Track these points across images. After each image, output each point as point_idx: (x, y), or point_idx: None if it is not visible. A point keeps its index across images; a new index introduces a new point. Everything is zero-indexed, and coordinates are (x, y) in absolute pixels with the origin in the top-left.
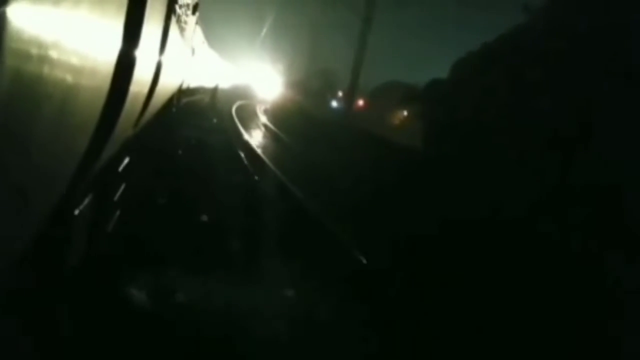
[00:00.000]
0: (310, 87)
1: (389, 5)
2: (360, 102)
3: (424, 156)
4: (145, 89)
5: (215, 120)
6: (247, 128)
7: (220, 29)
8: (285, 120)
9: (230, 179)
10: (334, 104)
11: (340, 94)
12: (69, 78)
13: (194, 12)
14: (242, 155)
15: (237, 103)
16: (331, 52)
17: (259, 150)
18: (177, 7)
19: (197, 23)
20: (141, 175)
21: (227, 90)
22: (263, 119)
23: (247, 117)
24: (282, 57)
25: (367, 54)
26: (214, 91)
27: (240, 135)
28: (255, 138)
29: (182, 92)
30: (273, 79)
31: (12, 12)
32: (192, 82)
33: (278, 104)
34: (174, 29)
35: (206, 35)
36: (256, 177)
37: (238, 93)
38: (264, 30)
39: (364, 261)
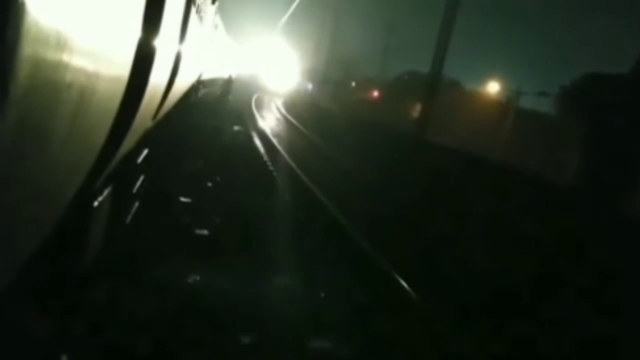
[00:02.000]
0: (330, 77)
1: None
2: (375, 93)
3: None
4: (165, 80)
5: (236, 128)
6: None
7: (239, 16)
8: (317, 120)
9: None
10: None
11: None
12: (88, 68)
13: (213, 2)
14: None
15: (256, 95)
16: (353, 40)
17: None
18: None
19: (216, 13)
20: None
21: (244, 80)
22: (281, 108)
23: (267, 107)
24: (303, 45)
25: (387, 42)
26: (228, 84)
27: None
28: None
29: (200, 83)
30: (292, 68)
31: (31, 2)
32: (211, 73)
33: (300, 100)
34: (193, 19)
35: (225, 22)
36: None
37: (255, 83)
38: (285, 17)
39: None
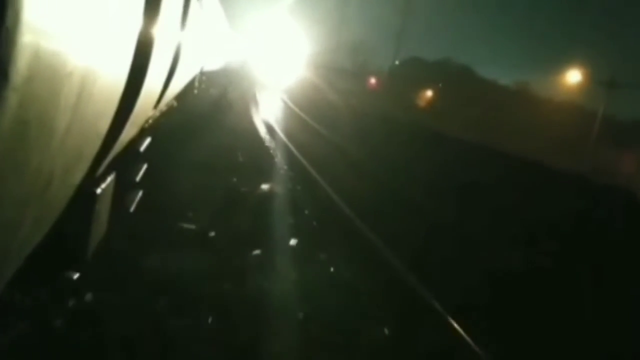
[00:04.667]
0: (340, 66)
1: None
2: (372, 81)
3: None
4: (166, 68)
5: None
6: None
7: (242, 5)
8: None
9: None
10: None
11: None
12: (89, 56)
13: None
14: None
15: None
16: (364, 25)
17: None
18: None
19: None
20: None
21: (248, 72)
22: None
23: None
24: (309, 31)
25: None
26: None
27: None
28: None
29: (203, 74)
30: (299, 57)
31: None
32: (213, 64)
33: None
34: (194, 8)
35: (227, 11)
36: None
37: (261, 77)
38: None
39: None
